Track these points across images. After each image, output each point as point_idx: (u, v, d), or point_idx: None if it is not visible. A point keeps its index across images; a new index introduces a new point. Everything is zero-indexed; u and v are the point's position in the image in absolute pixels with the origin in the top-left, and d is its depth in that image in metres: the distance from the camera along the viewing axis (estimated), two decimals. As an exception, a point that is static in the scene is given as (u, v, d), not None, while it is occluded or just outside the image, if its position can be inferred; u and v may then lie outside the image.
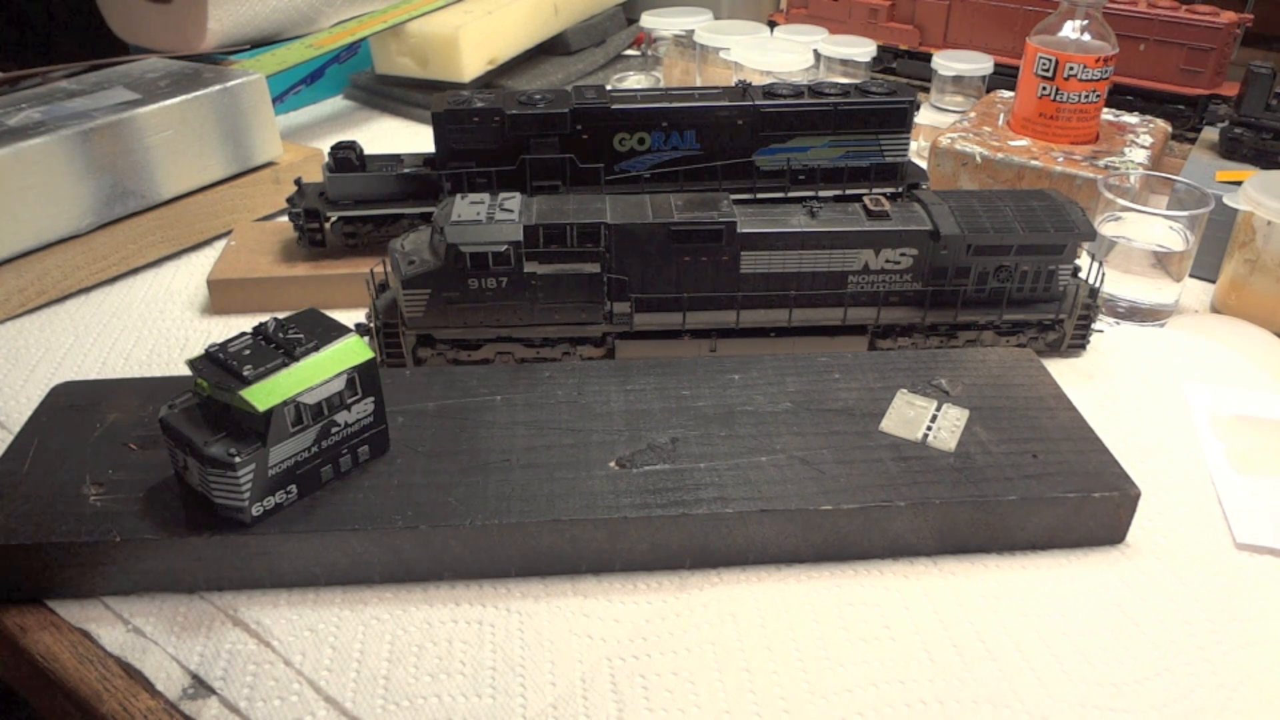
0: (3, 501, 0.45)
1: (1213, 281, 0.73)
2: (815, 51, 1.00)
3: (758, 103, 0.68)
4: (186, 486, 0.45)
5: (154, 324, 0.68)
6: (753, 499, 0.46)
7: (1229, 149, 0.79)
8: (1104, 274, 0.62)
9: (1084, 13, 0.77)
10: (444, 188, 0.68)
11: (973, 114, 0.86)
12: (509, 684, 0.41)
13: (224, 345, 0.45)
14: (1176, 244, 0.67)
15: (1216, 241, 0.71)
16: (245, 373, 0.43)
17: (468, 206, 0.57)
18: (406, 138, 1.01)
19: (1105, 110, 0.83)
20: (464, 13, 1.02)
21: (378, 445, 0.48)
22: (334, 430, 0.45)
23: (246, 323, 0.66)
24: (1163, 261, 0.67)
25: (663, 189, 0.69)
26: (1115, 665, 0.43)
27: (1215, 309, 0.71)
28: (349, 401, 0.45)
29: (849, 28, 1.14)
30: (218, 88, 0.77)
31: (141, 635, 0.44)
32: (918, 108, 0.72)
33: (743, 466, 0.48)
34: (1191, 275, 0.72)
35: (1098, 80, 0.77)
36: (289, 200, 0.71)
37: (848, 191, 0.70)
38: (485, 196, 0.58)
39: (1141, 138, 0.81)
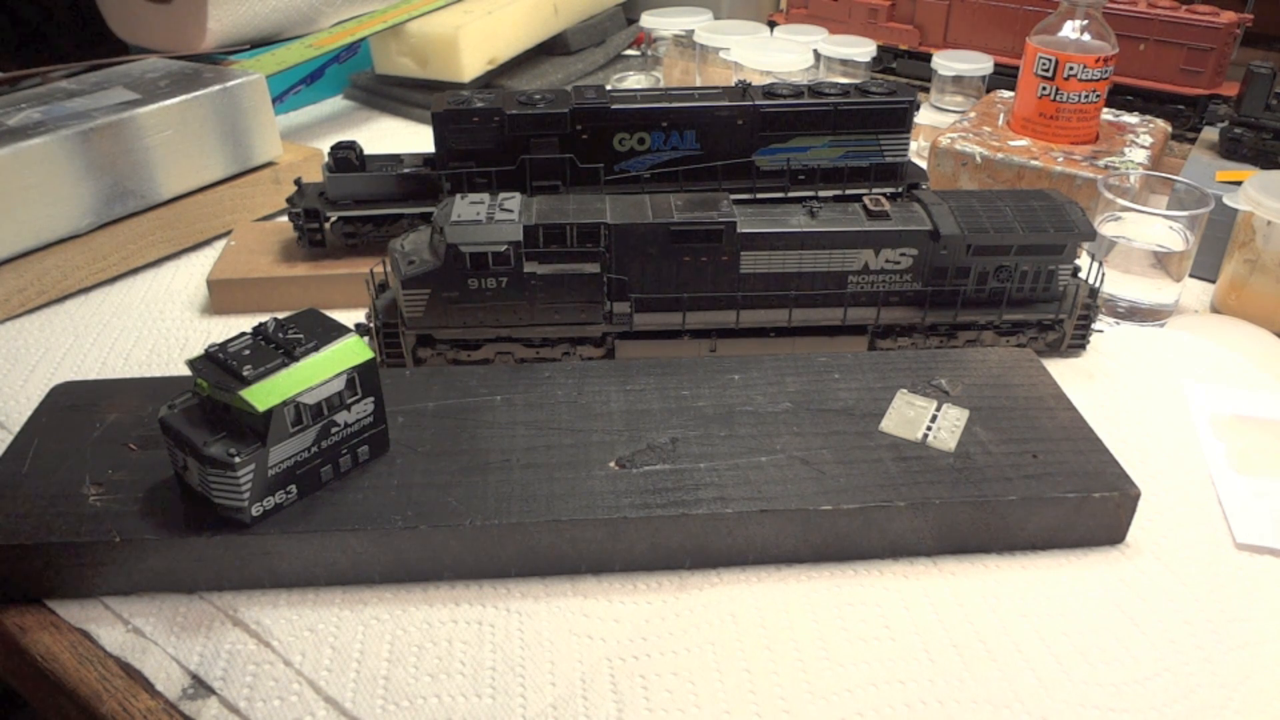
0: (3, 501, 0.45)
1: (1213, 281, 0.73)
2: (815, 51, 1.00)
3: (758, 103, 0.68)
4: (186, 486, 0.45)
5: (154, 324, 0.68)
6: (753, 499, 0.46)
7: (1229, 149, 0.79)
8: (1104, 274, 0.62)
9: (1084, 13, 0.77)
10: (444, 188, 0.68)
11: (973, 114, 0.86)
12: (509, 684, 0.41)
13: (224, 345, 0.45)
14: (1176, 244, 0.67)
15: (1216, 241, 0.71)
16: (245, 373, 0.43)
17: (468, 206, 0.57)
18: (406, 138, 1.01)
19: (1105, 110, 0.83)
20: (464, 13, 1.02)
21: (378, 445, 0.48)
22: (334, 430, 0.45)
23: (246, 323, 0.66)
24: (1163, 261, 0.67)
25: (663, 189, 0.69)
26: (1115, 665, 0.43)
27: (1215, 309, 0.71)
28: (349, 401, 0.45)
29: (849, 28, 1.14)
30: (218, 88, 0.77)
31: (141, 635, 0.44)
32: (918, 108, 0.72)
33: (743, 466, 0.48)
34: (1191, 275, 0.72)
35: (1098, 80, 0.77)
36: (289, 200, 0.71)
37: (848, 191, 0.70)
38: (485, 196, 0.58)
39: (1141, 138, 0.81)
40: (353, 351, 0.45)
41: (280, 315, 0.47)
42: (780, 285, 0.59)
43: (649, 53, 1.15)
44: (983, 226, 0.58)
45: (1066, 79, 0.77)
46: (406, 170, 0.69)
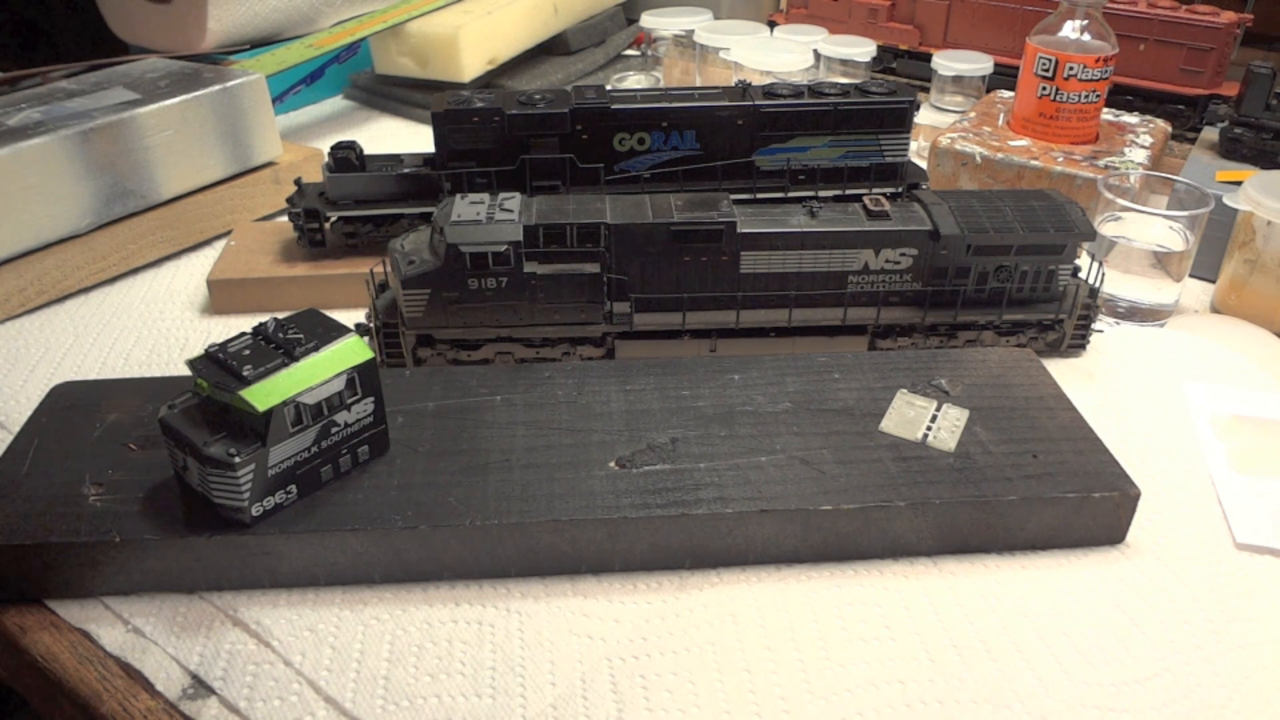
0: (3, 501, 0.45)
1: (1213, 281, 0.73)
2: (815, 51, 1.00)
3: (758, 103, 0.68)
4: (186, 486, 0.45)
5: (154, 324, 0.68)
6: (753, 499, 0.46)
7: (1229, 149, 0.79)
8: (1104, 274, 0.62)
9: (1084, 13, 0.77)
10: (444, 188, 0.68)
11: (973, 114, 0.86)
12: (509, 684, 0.41)
13: (224, 345, 0.45)
14: (1176, 244, 0.67)
15: (1216, 241, 0.71)
16: (245, 373, 0.43)
17: (468, 206, 0.57)
18: (406, 138, 1.01)
19: (1105, 110, 0.83)
20: (464, 13, 1.02)
21: (378, 445, 0.48)
22: (334, 430, 0.45)
23: (246, 323, 0.66)
24: (1163, 261, 0.67)
25: (663, 189, 0.69)
26: (1115, 665, 0.43)
27: (1215, 309, 0.71)
28: (349, 401, 0.45)
29: (849, 28, 1.14)
30: (218, 88, 0.77)
31: (141, 635, 0.44)
32: (918, 108, 0.72)
33: (743, 466, 0.48)
34: (1191, 275, 0.72)
35: (1098, 80, 0.77)
36: (289, 200, 0.71)
37: (848, 191, 0.70)
38: (485, 196, 0.58)
39: (1141, 138, 0.81)
40: (353, 351, 0.45)
41: (280, 315, 0.47)
42: (780, 285, 0.59)
43: (649, 53, 1.15)
44: (983, 226, 0.58)
45: (1066, 79, 0.77)
46: (406, 170, 0.69)
